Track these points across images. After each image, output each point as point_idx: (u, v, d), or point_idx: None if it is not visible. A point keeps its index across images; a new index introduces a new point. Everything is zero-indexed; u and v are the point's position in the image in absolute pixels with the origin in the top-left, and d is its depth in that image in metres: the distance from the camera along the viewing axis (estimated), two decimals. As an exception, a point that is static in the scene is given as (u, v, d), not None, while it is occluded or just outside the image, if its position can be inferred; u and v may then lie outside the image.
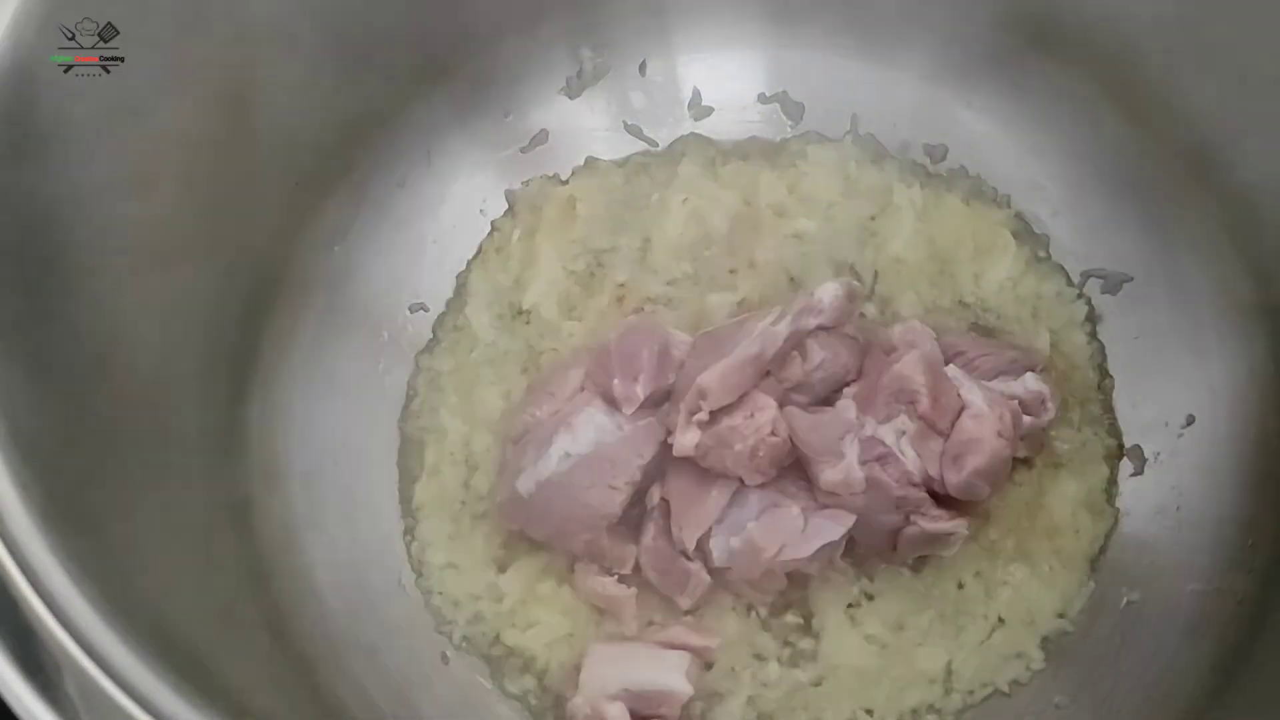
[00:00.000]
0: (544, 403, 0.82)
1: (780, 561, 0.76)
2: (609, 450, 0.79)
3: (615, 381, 0.79)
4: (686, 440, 0.76)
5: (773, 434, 0.76)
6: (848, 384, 0.81)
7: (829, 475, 0.76)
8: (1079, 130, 0.90)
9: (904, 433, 0.77)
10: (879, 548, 0.80)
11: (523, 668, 0.81)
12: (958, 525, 0.77)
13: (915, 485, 0.77)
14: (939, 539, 0.78)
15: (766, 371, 0.79)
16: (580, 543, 0.80)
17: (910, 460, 0.77)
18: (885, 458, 0.77)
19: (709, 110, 0.97)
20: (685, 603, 0.79)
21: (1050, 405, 0.82)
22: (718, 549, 0.77)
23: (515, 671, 0.81)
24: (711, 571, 0.78)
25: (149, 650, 0.55)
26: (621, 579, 0.80)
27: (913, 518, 0.77)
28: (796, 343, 0.79)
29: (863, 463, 0.76)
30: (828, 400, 0.81)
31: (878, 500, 0.77)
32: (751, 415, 0.76)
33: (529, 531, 0.81)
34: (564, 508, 0.78)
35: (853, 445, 0.77)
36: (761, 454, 0.76)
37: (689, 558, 0.78)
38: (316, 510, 0.83)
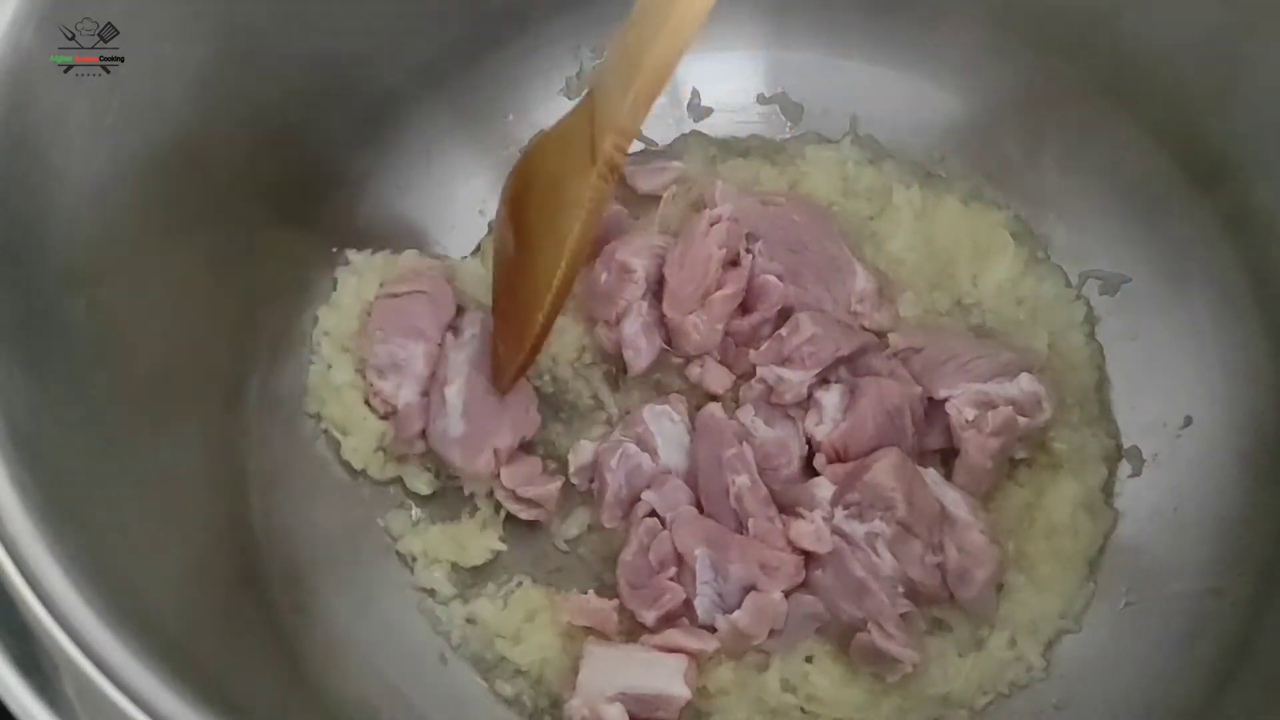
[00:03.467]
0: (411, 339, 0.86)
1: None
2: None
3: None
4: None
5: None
6: (839, 360, 0.82)
7: (801, 527, 0.78)
8: (1078, 131, 0.90)
9: (879, 535, 0.78)
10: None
11: (516, 671, 0.81)
12: (908, 656, 0.76)
13: (883, 582, 0.77)
14: (886, 660, 0.76)
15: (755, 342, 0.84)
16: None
17: (887, 563, 0.77)
18: (855, 545, 0.78)
19: (708, 111, 0.97)
20: (649, 618, 0.79)
21: (1046, 406, 0.82)
22: (702, 609, 0.79)
23: (509, 675, 0.81)
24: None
25: (147, 650, 0.55)
26: (599, 592, 0.81)
27: (870, 624, 0.77)
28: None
29: (834, 532, 0.78)
30: (821, 376, 0.83)
31: (842, 582, 0.78)
32: None
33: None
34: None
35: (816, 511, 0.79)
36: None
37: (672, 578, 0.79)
38: (313, 509, 0.83)
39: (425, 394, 0.85)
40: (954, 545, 0.78)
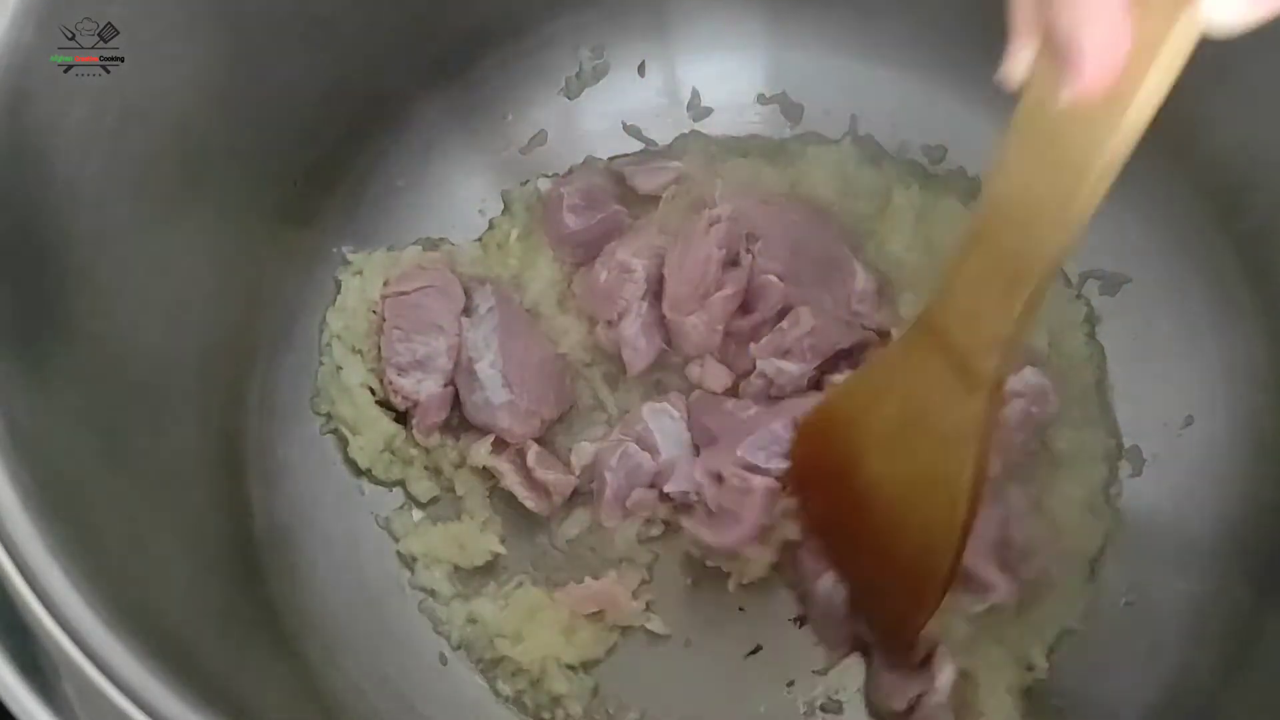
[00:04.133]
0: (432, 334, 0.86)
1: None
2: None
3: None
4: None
5: None
6: (839, 353, 0.83)
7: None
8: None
9: None
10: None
11: (516, 671, 0.81)
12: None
13: None
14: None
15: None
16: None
17: None
18: None
19: (708, 111, 0.97)
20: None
21: (1052, 397, 0.82)
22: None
23: (509, 674, 0.81)
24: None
25: (147, 650, 0.55)
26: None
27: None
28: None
29: None
30: (821, 370, 0.83)
31: None
32: None
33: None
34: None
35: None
36: None
37: None
38: (315, 509, 0.83)
39: (448, 384, 0.85)
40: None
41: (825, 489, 0.77)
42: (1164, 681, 0.77)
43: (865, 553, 0.75)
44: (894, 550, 0.72)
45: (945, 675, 0.76)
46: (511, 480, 0.83)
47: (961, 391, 0.63)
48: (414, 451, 0.86)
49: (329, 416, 0.86)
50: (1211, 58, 0.79)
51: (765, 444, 0.80)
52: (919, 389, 0.66)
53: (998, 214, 0.58)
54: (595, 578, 0.83)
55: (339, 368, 0.86)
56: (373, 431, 0.85)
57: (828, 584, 0.79)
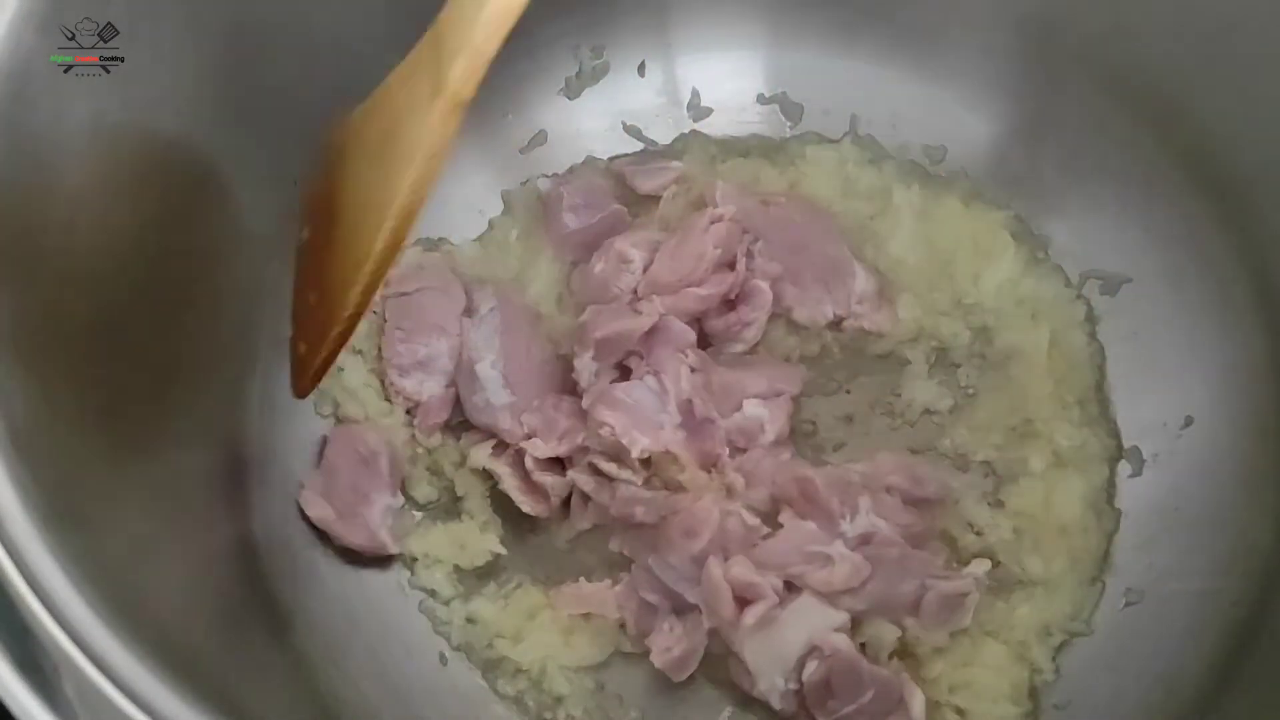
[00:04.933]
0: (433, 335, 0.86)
1: None
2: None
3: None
4: None
5: None
6: None
7: (825, 578, 0.77)
8: (1079, 131, 0.90)
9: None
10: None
11: (516, 671, 0.81)
12: (974, 570, 0.77)
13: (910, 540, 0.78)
14: (958, 599, 0.77)
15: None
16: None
17: (885, 529, 0.78)
18: (870, 536, 0.78)
19: (708, 111, 0.97)
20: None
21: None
22: None
23: (510, 674, 0.81)
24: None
25: (147, 650, 0.55)
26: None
27: (927, 582, 0.77)
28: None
29: (853, 549, 0.78)
30: None
31: (888, 574, 0.77)
32: None
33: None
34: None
35: (835, 544, 0.78)
36: None
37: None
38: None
39: (450, 385, 0.85)
40: None
41: (318, 211, 0.71)
42: (1163, 682, 0.77)
43: (311, 281, 0.71)
44: (331, 271, 0.67)
45: (917, 704, 0.76)
46: (509, 484, 0.83)
47: (426, 104, 0.62)
48: (417, 451, 0.86)
49: (336, 418, 0.86)
50: (1213, 60, 0.80)
51: None
52: (402, 104, 0.65)
53: None
54: (590, 580, 0.83)
55: (340, 369, 0.86)
56: (383, 427, 0.85)
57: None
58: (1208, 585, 0.79)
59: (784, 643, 0.75)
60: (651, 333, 0.83)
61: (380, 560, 0.84)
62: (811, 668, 0.75)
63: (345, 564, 0.82)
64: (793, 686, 0.76)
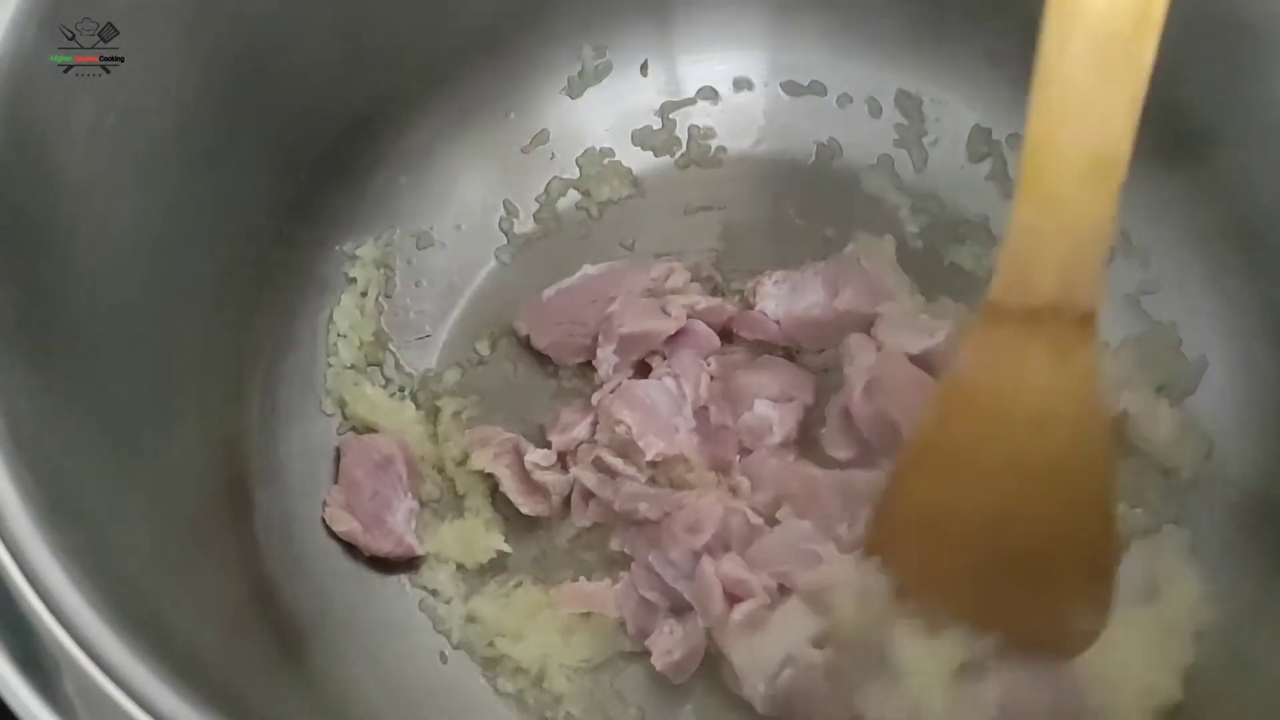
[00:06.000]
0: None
1: None
2: (615, 271, 0.88)
3: None
4: None
5: None
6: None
7: (810, 577, 0.75)
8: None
9: None
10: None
11: (517, 669, 0.81)
12: None
13: None
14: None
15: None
16: (572, 362, 0.87)
17: None
18: None
19: (709, 110, 0.97)
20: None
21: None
22: None
23: (510, 673, 0.81)
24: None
25: (148, 649, 0.55)
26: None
27: None
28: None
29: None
30: None
31: None
32: None
33: (535, 341, 0.87)
34: (569, 313, 0.87)
35: (827, 546, 0.77)
36: None
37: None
38: (316, 508, 0.83)
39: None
40: None
41: (926, 540, 0.70)
42: (1165, 682, 0.77)
43: (1008, 574, 0.69)
44: (1047, 546, 0.67)
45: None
46: (509, 485, 0.83)
47: (1058, 356, 0.60)
48: (426, 447, 0.87)
49: (343, 416, 0.86)
50: (1214, 60, 0.80)
51: None
52: (1009, 383, 0.62)
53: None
54: (590, 579, 0.83)
55: (348, 366, 0.86)
56: (394, 426, 0.86)
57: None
58: (1208, 585, 0.78)
59: (767, 647, 0.74)
60: (677, 335, 0.83)
61: (380, 559, 0.84)
62: (785, 676, 0.73)
63: (346, 562, 0.83)
64: (773, 692, 0.74)
